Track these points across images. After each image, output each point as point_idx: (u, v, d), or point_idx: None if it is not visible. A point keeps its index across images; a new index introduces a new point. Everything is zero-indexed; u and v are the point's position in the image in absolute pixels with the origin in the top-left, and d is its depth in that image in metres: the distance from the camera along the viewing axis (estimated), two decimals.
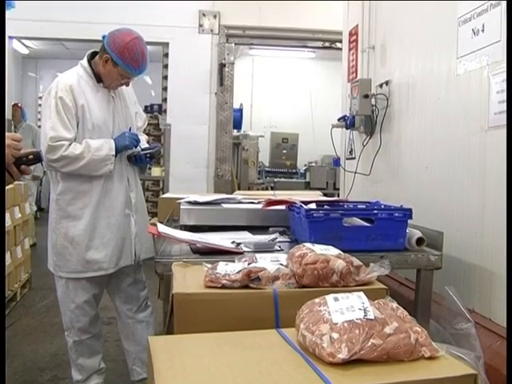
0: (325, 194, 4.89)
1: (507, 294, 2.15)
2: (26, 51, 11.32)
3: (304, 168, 10.33)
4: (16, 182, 5.75)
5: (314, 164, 10.13)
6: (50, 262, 3.16)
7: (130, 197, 3.17)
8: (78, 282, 3.09)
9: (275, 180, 9.62)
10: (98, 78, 3.06)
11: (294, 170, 10.45)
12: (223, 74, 7.52)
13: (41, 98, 13.08)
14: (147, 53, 3.01)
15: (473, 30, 2.80)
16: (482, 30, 2.72)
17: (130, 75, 3.01)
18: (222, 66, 7.51)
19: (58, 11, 7.20)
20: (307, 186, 9.48)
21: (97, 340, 3.25)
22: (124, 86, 3.16)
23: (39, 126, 12.51)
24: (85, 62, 3.08)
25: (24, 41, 10.07)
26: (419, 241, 2.56)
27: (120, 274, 3.23)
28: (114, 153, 2.98)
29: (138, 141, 3.10)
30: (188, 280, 1.92)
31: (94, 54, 3.10)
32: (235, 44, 7.72)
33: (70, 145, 2.91)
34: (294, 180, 10.12)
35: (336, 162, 8.48)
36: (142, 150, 3.16)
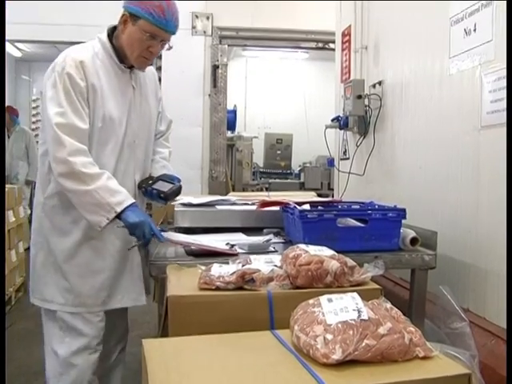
0: (319, 195, 4.89)
1: (507, 296, 2.15)
2: (19, 54, 11.29)
3: (298, 169, 10.32)
4: (10, 186, 5.75)
5: (308, 165, 10.12)
6: (30, 287, 2.56)
7: None
8: (61, 317, 2.47)
9: (270, 181, 9.62)
10: (119, 57, 2.40)
11: (289, 171, 10.44)
12: (217, 76, 7.52)
13: (34, 101, 13.08)
14: (177, 9, 2.33)
15: (465, 29, 2.81)
16: (474, 30, 2.72)
17: (157, 29, 2.27)
18: (215, 68, 7.50)
19: (51, 14, 7.19)
20: (302, 187, 9.47)
21: None
22: (147, 79, 2.57)
23: (33, 130, 12.49)
24: (104, 35, 2.41)
25: (17, 44, 10.04)
26: (413, 240, 2.56)
27: None
28: (119, 210, 2.18)
29: (148, 237, 2.25)
30: (182, 282, 1.92)
31: (115, 29, 2.42)
32: (228, 45, 7.71)
33: (83, 151, 2.23)
34: (289, 181, 10.11)
35: (330, 162, 8.48)
36: (153, 181, 2.49)
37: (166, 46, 2.38)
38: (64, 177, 2.19)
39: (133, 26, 2.29)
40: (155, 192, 2.44)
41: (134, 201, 2.25)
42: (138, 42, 2.31)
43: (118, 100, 2.39)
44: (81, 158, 2.19)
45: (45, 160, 2.37)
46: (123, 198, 2.22)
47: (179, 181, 2.52)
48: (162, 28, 2.28)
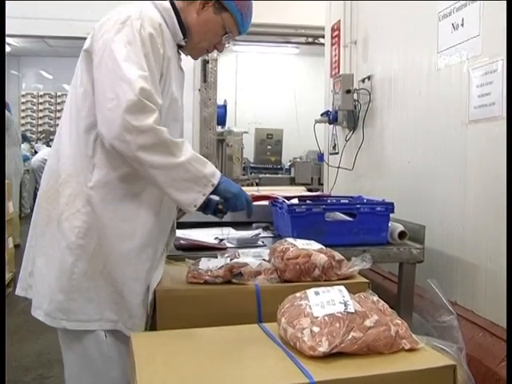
0: (310, 190, 4.90)
1: (507, 295, 2.16)
2: (7, 49, 11.22)
3: (289, 164, 10.33)
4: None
5: (298, 159, 10.13)
6: (44, 306, 1.95)
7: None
8: (114, 335, 1.84)
9: (260, 176, 9.62)
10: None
11: (279, 166, 10.46)
12: (207, 71, 7.51)
13: (23, 96, 13.01)
14: None
15: (452, 24, 2.82)
16: (462, 25, 2.74)
17: (236, 30, 2.00)
18: (205, 63, 7.49)
19: (40, 8, 7.15)
20: (292, 182, 9.49)
21: None
22: None
23: (22, 125, 12.32)
24: (166, 2, 1.91)
25: (6, 38, 10.00)
26: (401, 234, 2.58)
27: None
28: (216, 182, 1.76)
29: (244, 207, 1.90)
30: (171, 276, 1.93)
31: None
32: None
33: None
34: (279, 176, 10.13)
35: (320, 157, 8.48)
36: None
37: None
38: (148, 150, 1.67)
39: (214, 15, 1.93)
40: (214, 202, 1.90)
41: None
42: (213, 35, 1.99)
43: (177, 80, 1.99)
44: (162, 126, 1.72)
45: (88, 137, 1.81)
46: (213, 166, 1.81)
47: None
48: (242, 30, 2.03)
